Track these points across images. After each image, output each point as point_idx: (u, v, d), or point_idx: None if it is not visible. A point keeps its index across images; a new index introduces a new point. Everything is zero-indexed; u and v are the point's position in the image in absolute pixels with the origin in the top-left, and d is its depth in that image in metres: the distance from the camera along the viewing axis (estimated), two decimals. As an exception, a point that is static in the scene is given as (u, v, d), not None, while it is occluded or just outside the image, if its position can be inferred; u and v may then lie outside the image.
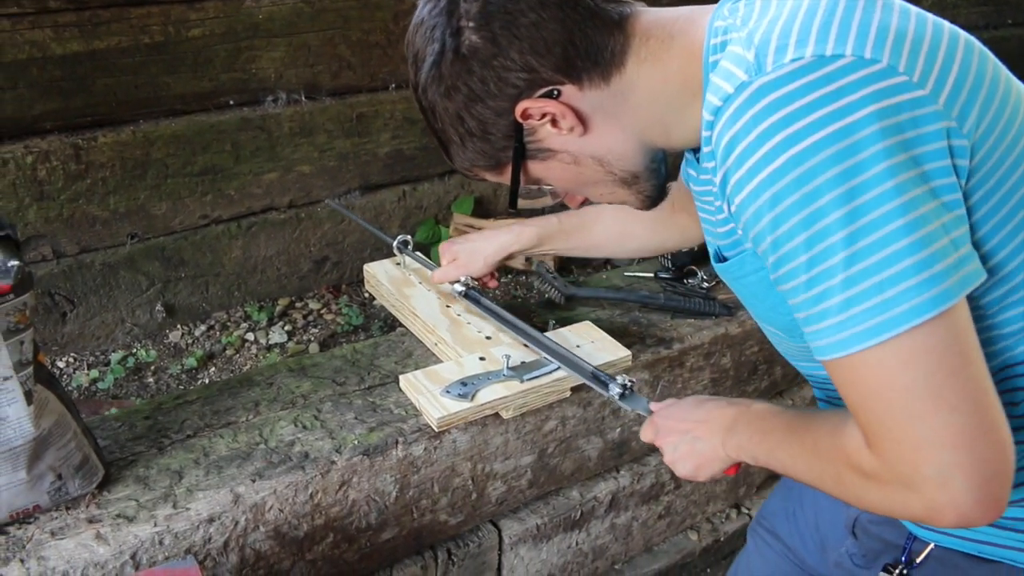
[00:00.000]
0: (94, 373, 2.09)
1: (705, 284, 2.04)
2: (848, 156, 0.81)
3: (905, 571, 1.13)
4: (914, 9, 0.91)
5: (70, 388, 2.05)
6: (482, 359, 1.61)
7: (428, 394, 1.52)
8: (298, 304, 2.41)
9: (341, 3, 2.24)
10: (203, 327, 2.28)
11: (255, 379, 1.64)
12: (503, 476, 1.72)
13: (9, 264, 1.13)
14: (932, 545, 1.10)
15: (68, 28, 1.90)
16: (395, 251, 1.91)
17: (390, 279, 1.89)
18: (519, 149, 1.06)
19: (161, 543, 1.31)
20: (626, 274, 2.12)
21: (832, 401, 1.21)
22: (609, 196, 1.15)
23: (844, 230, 0.81)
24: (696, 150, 1.08)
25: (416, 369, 1.61)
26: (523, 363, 1.59)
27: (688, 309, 1.93)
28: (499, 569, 1.87)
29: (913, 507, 0.87)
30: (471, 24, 0.98)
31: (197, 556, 1.34)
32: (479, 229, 2.43)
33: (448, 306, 1.79)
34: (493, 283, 1.80)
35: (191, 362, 2.13)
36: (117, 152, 2.03)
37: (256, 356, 2.18)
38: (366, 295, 2.42)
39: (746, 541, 1.59)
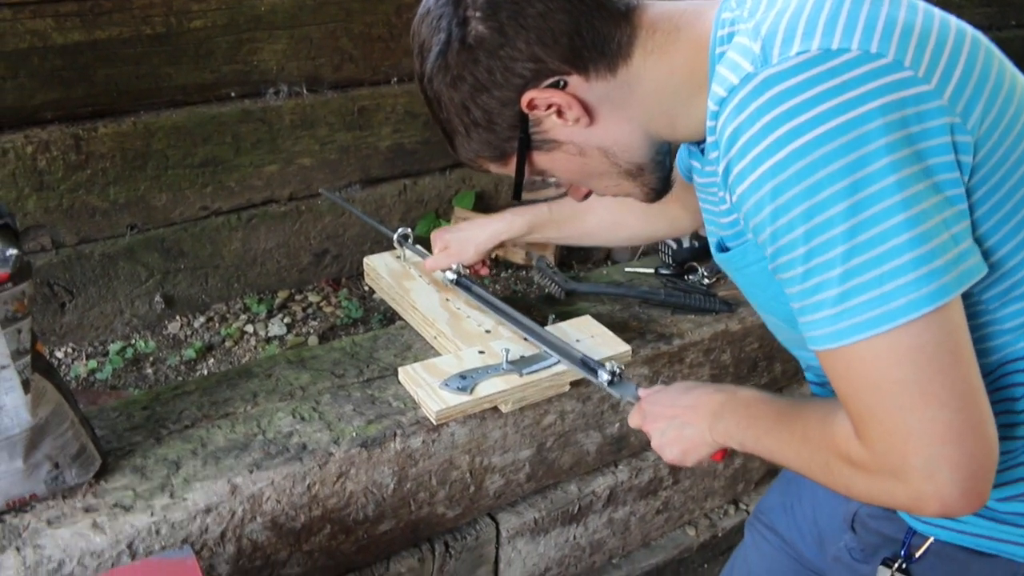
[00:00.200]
0: (92, 363, 2.09)
1: (706, 280, 2.04)
2: (851, 150, 0.81)
3: (904, 565, 1.13)
4: (922, 4, 0.91)
5: (68, 378, 2.05)
6: (481, 353, 1.60)
7: (427, 387, 1.52)
8: (297, 297, 2.41)
9: (343, -5, 2.24)
10: (202, 319, 2.27)
11: (254, 370, 1.64)
12: (501, 469, 1.72)
13: (7, 253, 1.13)
14: (931, 539, 1.10)
15: (69, 18, 1.90)
16: (395, 244, 1.91)
17: (390, 272, 1.89)
18: (524, 140, 1.06)
19: (158, 533, 1.31)
20: (627, 269, 2.12)
21: (826, 386, 1.21)
22: (614, 188, 1.15)
23: (845, 224, 0.82)
24: (701, 142, 1.08)
25: (415, 362, 1.61)
26: (522, 357, 1.59)
27: (688, 305, 1.93)
28: (496, 562, 1.87)
29: (899, 496, 0.89)
30: (478, 14, 0.98)
31: (194, 546, 1.34)
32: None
33: (448, 300, 1.78)
34: (484, 270, 1.81)
35: (190, 353, 2.13)
36: (117, 143, 2.03)
37: (255, 348, 2.18)
38: (366, 288, 2.42)
39: (744, 536, 1.59)
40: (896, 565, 1.13)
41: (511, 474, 1.75)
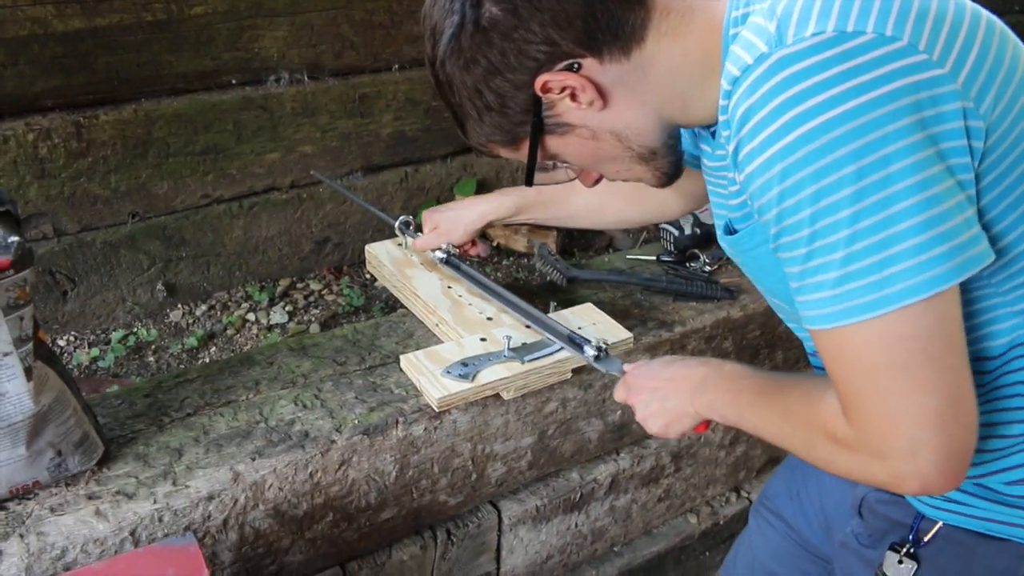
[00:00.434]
0: (94, 351, 2.09)
1: (707, 268, 2.04)
2: (862, 135, 0.81)
3: (912, 550, 1.13)
4: None
5: (70, 366, 2.05)
6: (483, 340, 1.60)
7: (429, 374, 1.52)
8: (299, 285, 2.41)
9: (344, -18, 2.23)
10: (204, 307, 2.27)
11: (256, 358, 1.64)
12: (503, 457, 1.72)
13: (9, 240, 1.13)
14: (940, 524, 1.10)
15: (70, 4, 1.89)
16: (397, 232, 1.91)
17: (392, 260, 1.89)
18: (537, 123, 1.05)
19: (160, 520, 1.31)
20: (628, 257, 2.12)
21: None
22: (626, 172, 1.14)
23: (851, 208, 0.82)
24: (711, 126, 1.08)
25: (417, 349, 1.61)
26: (524, 344, 1.59)
27: (690, 292, 1.93)
28: (498, 550, 1.87)
29: (879, 474, 0.92)
30: None
31: (196, 533, 1.35)
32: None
33: (449, 287, 1.78)
34: (474, 250, 1.86)
35: (192, 341, 2.13)
36: (118, 130, 2.02)
37: (257, 336, 2.18)
38: (367, 276, 2.42)
39: (747, 523, 1.59)
40: (904, 550, 1.14)
41: (513, 462, 1.75)
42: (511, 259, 2.51)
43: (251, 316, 2.24)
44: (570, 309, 1.73)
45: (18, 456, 1.24)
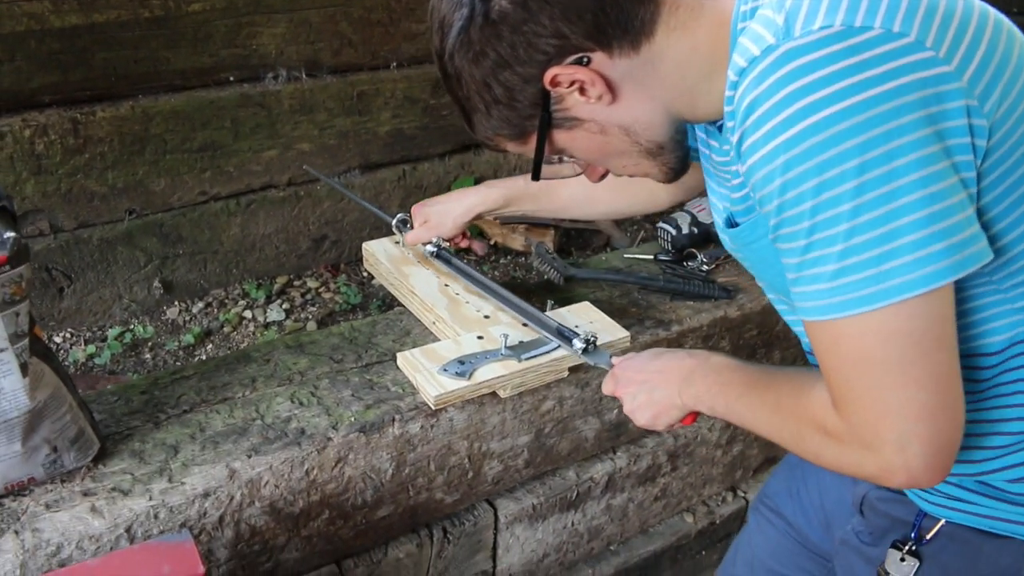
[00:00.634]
0: (91, 348, 2.09)
1: (705, 267, 2.04)
2: (867, 129, 0.81)
3: (914, 547, 1.13)
4: None
5: (67, 363, 2.05)
6: (480, 338, 1.60)
7: (425, 372, 1.52)
8: (296, 282, 2.40)
9: (342, -21, 2.23)
10: (201, 304, 2.27)
11: (252, 355, 1.64)
12: (500, 455, 1.72)
13: (5, 235, 1.12)
14: (943, 521, 1.10)
15: (67, 0, 1.89)
16: (394, 230, 1.91)
17: (389, 257, 1.89)
18: (546, 117, 1.05)
19: (156, 517, 1.31)
20: (626, 256, 2.12)
21: None
22: (633, 168, 1.14)
23: (852, 202, 0.83)
24: (719, 121, 1.08)
25: (414, 347, 1.60)
26: (521, 343, 1.59)
27: (687, 291, 1.93)
28: (494, 548, 1.87)
29: (867, 467, 0.93)
30: None
31: (192, 530, 1.35)
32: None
33: (447, 285, 1.78)
34: (464, 243, 1.85)
35: (188, 339, 2.13)
36: (116, 127, 2.02)
37: (254, 334, 2.18)
38: (364, 274, 2.42)
39: (746, 521, 1.59)
40: (907, 547, 1.14)
41: (509, 460, 1.75)
42: (508, 257, 2.51)
43: (248, 313, 2.24)
44: (567, 308, 1.73)
45: (13, 452, 1.23)
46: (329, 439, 1.45)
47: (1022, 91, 0.88)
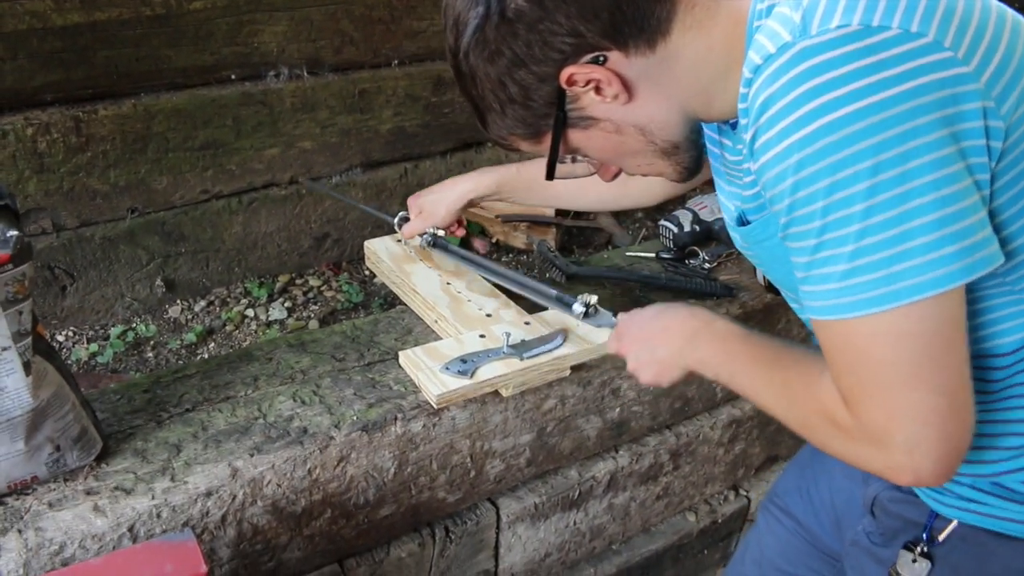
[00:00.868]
0: (93, 347, 2.09)
1: (707, 265, 2.04)
2: (883, 130, 0.81)
3: (926, 549, 1.13)
4: None
5: (69, 362, 2.05)
6: (482, 336, 1.60)
7: (427, 371, 1.52)
8: (298, 281, 2.40)
9: (344, -22, 2.23)
10: (203, 302, 2.27)
11: (254, 354, 1.64)
12: (502, 454, 1.72)
13: (8, 234, 1.12)
14: (955, 522, 1.10)
15: (68, -1, 1.89)
16: (396, 228, 1.91)
17: (391, 256, 1.89)
18: (561, 116, 1.04)
19: (159, 516, 1.31)
20: (627, 254, 2.12)
21: None
22: (647, 167, 1.14)
23: (865, 203, 0.82)
24: (734, 120, 1.07)
25: (416, 346, 1.60)
26: (523, 341, 1.59)
27: (689, 289, 1.92)
28: (496, 547, 1.87)
29: (874, 463, 0.94)
30: None
31: (195, 529, 1.35)
32: (481, 208, 2.43)
33: (448, 283, 1.78)
34: (460, 231, 1.87)
35: (190, 337, 2.13)
36: (118, 125, 2.02)
37: (256, 332, 2.17)
38: (366, 273, 2.41)
39: (753, 520, 1.59)
40: (918, 549, 1.13)
41: (511, 459, 1.75)
42: (510, 256, 2.50)
43: (250, 312, 2.24)
44: (569, 306, 1.73)
45: (16, 451, 1.23)
46: (331, 438, 1.45)
47: None
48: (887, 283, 0.84)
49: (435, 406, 1.52)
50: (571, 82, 1.00)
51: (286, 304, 2.27)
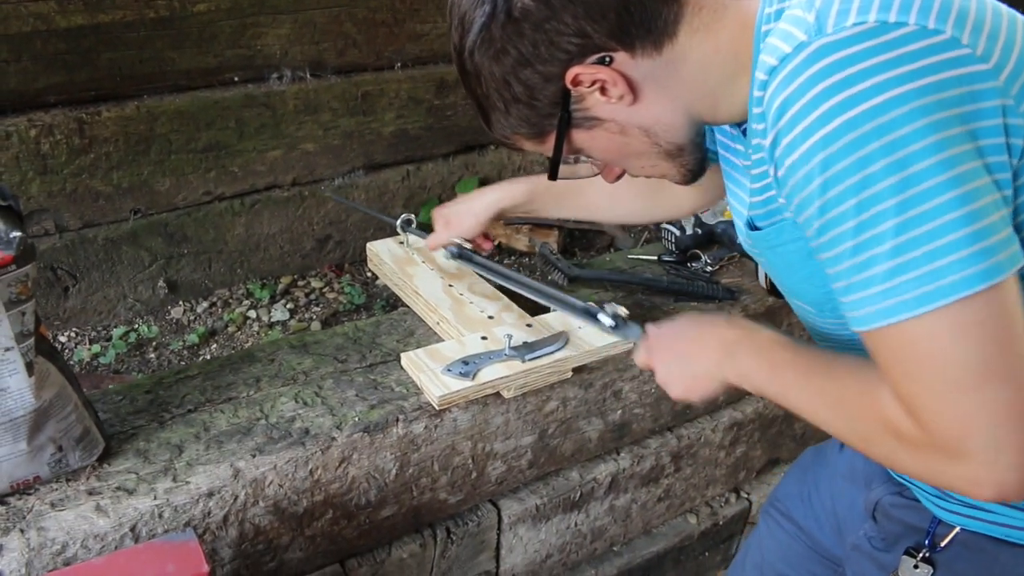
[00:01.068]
0: (96, 348, 2.09)
1: (709, 268, 2.04)
2: (903, 124, 0.79)
3: (928, 554, 1.12)
4: None
5: (72, 362, 2.05)
6: (484, 338, 1.60)
7: (429, 372, 1.52)
8: (300, 282, 2.41)
9: (347, -20, 2.23)
10: (205, 304, 2.28)
11: (256, 355, 1.64)
12: (503, 456, 1.72)
13: (11, 235, 1.13)
14: (958, 529, 1.09)
15: (72, 1, 1.90)
16: (398, 230, 1.91)
17: (393, 257, 1.89)
18: (566, 117, 1.04)
19: (161, 516, 1.31)
20: (630, 256, 2.12)
21: None
22: (651, 168, 1.13)
23: (896, 197, 0.80)
24: (741, 124, 1.07)
25: (418, 347, 1.61)
26: (525, 343, 1.59)
27: (691, 292, 1.92)
28: (498, 548, 1.87)
29: (950, 477, 0.86)
30: None
31: (197, 530, 1.35)
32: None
33: (451, 285, 1.78)
34: (487, 244, 1.77)
35: (193, 338, 2.13)
36: (121, 127, 2.02)
37: (258, 333, 2.18)
38: (368, 274, 2.42)
39: (753, 523, 1.59)
40: (920, 555, 1.12)
41: (513, 460, 1.75)
42: (512, 258, 2.51)
43: (252, 313, 2.24)
44: (571, 308, 1.73)
45: (19, 451, 1.24)
46: (333, 439, 1.45)
47: None
48: (935, 279, 0.80)
49: (437, 407, 1.52)
50: (576, 82, 1.00)
51: (288, 305, 2.28)
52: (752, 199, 1.07)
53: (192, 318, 2.23)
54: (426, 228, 1.85)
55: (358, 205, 2.03)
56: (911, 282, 0.81)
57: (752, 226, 1.09)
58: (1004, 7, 0.91)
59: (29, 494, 1.29)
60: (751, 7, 0.98)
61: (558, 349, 1.58)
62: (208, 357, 2.10)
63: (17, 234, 1.12)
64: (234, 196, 2.26)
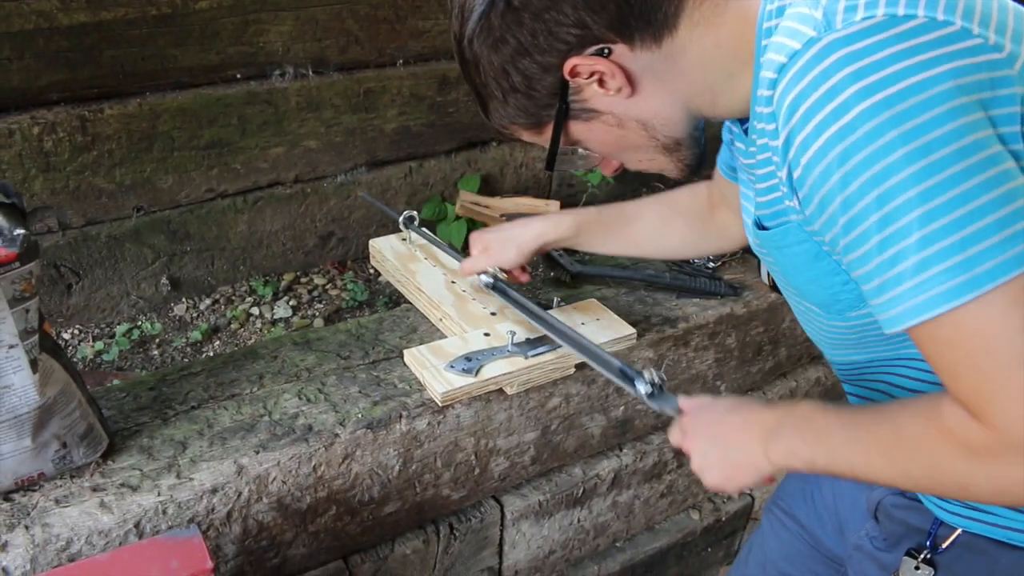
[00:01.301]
0: (99, 345, 2.10)
1: (711, 264, 2.04)
2: (922, 111, 0.78)
3: (930, 556, 1.12)
4: None
5: (75, 359, 2.06)
6: (487, 335, 1.61)
7: (432, 369, 1.52)
8: (303, 279, 2.41)
9: (349, -23, 2.23)
10: (208, 301, 2.28)
11: (260, 352, 1.65)
12: (506, 452, 1.72)
13: (15, 232, 1.13)
14: (959, 531, 1.09)
15: (75, -2, 1.90)
16: (401, 227, 1.91)
17: (396, 254, 1.89)
18: (563, 108, 1.04)
19: (164, 512, 1.32)
20: (632, 253, 2.12)
21: (864, 396, 1.18)
22: (648, 163, 1.12)
23: (918, 186, 0.78)
24: (742, 121, 1.07)
25: (421, 344, 1.61)
26: (528, 339, 1.59)
27: (694, 288, 1.93)
28: (501, 544, 1.88)
29: None
30: None
31: (200, 526, 1.35)
32: (485, 207, 2.43)
33: (453, 282, 1.78)
34: (525, 277, 1.67)
35: (196, 335, 2.14)
36: (123, 124, 2.02)
37: (261, 330, 2.18)
38: (371, 271, 2.42)
39: (757, 520, 1.58)
40: (922, 556, 1.12)
41: (516, 457, 1.75)
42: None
43: (255, 310, 2.25)
44: (574, 305, 1.73)
45: (23, 448, 1.24)
46: (336, 435, 1.45)
47: None
48: (969, 267, 0.77)
49: (440, 404, 1.52)
50: (574, 73, 1.00)
51: (291, 302, 2.28)
52: (759, 199, 1.06)
53: (195, 315, 2.23)
54: (428, 225, 1.85)
55: (387, 210, 2.00)
56: (944, 272, 0.79)
57: (760, 225, 1.08)
58: (1010, 3, 0.90)
59: (34, 491, 1.29)
60: (753, 3, 0.97)
61: (560, 345, 1.58)
62: (211, 354, 2.11)
63: (20, 231, 1.13)
64: (237, 193, 2.26)
